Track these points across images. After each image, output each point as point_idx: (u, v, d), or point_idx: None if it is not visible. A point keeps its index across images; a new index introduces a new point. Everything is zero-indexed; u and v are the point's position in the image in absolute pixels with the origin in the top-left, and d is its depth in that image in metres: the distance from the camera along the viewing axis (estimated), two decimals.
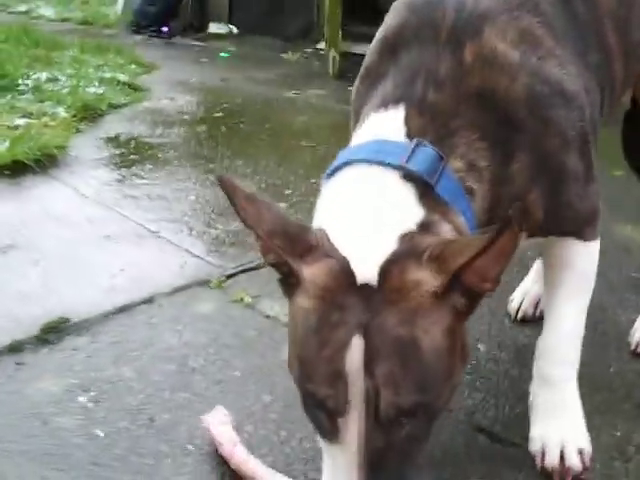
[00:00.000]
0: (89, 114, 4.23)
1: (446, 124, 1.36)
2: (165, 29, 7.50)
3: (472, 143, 1.37)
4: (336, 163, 1.38)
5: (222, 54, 6.61)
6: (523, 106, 1.41)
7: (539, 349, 1.69)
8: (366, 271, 1.19)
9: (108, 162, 3.58)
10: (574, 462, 1.60)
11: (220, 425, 1.67)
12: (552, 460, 1.60)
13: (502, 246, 1.13)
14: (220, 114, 4.39)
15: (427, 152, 1.32)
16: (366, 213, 1.26)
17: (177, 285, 2.38)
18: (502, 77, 1.39)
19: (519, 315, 2.17)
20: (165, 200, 3.08)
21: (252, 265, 2.51)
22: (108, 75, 4.99)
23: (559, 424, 1.64)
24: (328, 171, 1.39)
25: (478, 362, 1.98)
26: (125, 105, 4.55)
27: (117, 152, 3.75)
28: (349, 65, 5.41)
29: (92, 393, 1.85)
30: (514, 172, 1.42)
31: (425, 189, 1.29)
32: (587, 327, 1.67)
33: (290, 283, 1.25)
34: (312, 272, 1.22)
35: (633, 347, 2.00)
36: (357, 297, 1.18)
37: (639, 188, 2.22)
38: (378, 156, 1.32)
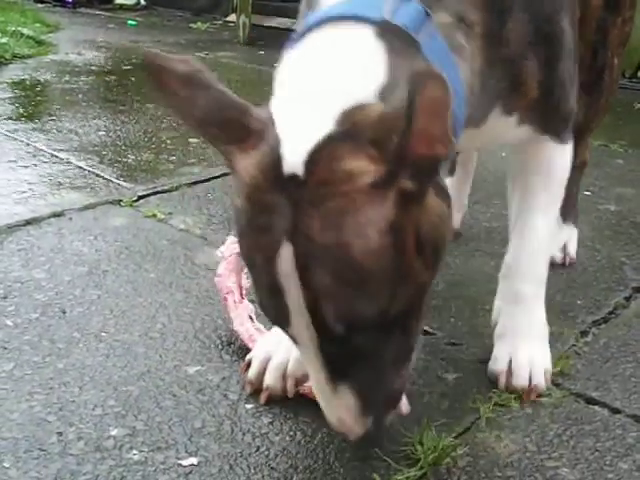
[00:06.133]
0: None
1: None
2: None
3: None
4: (303, 27, 1.15)
5: (130, 21, 6.52)
6: None
7: (507, 265, 1.60)
8: (293, 160, 0.99)
9: (14, 101, 3.49)
10: (540, 382, 1.55)
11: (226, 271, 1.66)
12: (521, 381, 1.54)
13: (432, 98, 0.89)
14: (129, 67, 4.33)
15: (412, 6, 1.11)
16: (314, 83, 1.04)
17: (87, 203, 2.34)
18: None
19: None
20: (75, 134, 3.02)
21: (165, 188, 2.49)
22: (11, 28, 4.84)
23: (527, 345, 1.58)
24: (293, 35, 1.17)
25: None
26: (30, 56, 4.44)
27: (23, 94, 3.66)
28: (258, 34, 5.42)
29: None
30: (509, 31, 1.25)
31: (407, 48, 1.07)
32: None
33: None
34: (244, 165, 1.04)
35: (560, 261, 2.07)
36: (282, 194, 1.00)
37: None
38: (355, 9, 1.10)
